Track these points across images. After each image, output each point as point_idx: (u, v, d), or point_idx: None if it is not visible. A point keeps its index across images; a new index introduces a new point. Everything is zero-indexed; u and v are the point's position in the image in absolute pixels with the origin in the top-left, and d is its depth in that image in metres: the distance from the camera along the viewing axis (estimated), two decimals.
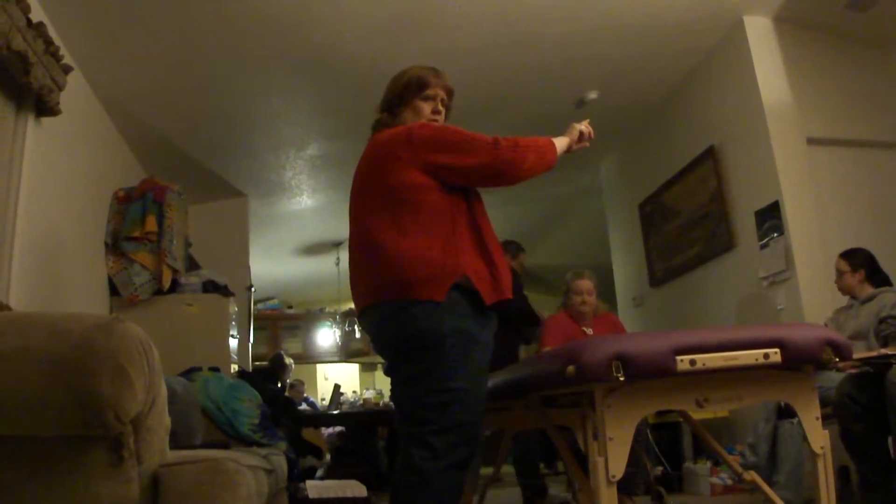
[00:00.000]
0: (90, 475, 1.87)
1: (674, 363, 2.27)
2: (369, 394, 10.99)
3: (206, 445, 3.30)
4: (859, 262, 4.58)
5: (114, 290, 5.37)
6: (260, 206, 8.53)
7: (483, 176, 2.71)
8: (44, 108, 4.14)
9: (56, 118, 4.27)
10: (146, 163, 6.66)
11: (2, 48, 3.50)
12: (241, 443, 4.23)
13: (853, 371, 3.89)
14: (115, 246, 5.41)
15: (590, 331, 5.13)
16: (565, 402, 3.55)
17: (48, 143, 4.31)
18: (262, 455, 3.46)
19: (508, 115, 6.84)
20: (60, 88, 4.22)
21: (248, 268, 8.22)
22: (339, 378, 11.99)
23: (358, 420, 8.20)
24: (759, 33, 5.70)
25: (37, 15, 3.92)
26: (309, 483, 4.83)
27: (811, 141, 5.59)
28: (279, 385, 8.03)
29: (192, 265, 6.27)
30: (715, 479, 5.28)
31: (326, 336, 12.78)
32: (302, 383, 10.36)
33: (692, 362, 2.28)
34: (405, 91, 2.94)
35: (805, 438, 2.50)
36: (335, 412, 8.56)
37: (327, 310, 12.92)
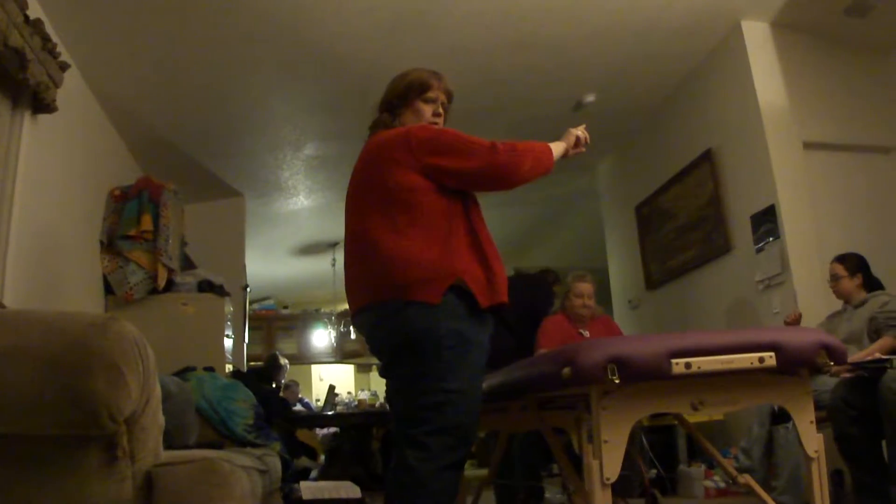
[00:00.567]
0: (84, 474, 1.87)
1: (669, 366, 2.27)
2: (364, 395, 11.01)
3: (201, 445, 3.30)
4: (855, 265, 4.59)
5: (109, 289, 5.36)
6: (256, 206, 8.52)
7: (480, 179, 2.71)
8: (40, 104, 4.13)
9: (52, 115, 4.26)
10: (142, 161, 6.65)
11: None
12: (235, 443, 4.23)
13: (847, 375, 3.90)
14: (111, 244, 5.40)
15: (586, 333, 5.14)
16: (561, 405, 3.56)
17: (44, 141, 4.30)
18: (256, 455, 3.46)
19: (506, 117, 6.85)
20: (57, 85, 4.21)
21: (244, 268, 8.22)
22: (333, 379, 11.98)
23: (353, 421, 8.19)
24: (757, 38, 5.70)
25: (34, 11, 3.92)
26: (303, 484, 4.83)
27: (807, 145, 5.60)
28: (274, 385, 8.02)
29: (188, 264, 6.26)
30: (709, 483, 5.29)
31: (321, 337, 12.78)
32: (297, 384, 10.35)
33: (687, 365, 2.28)
34: (407, 92, 2.94)
35: (800, 442, 2.50)
36: (330, 413, 8.56)
37: (323, 310, 12.92)
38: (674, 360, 2.28)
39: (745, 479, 2.92)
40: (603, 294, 7.91)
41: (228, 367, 5.80)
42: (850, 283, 4.57)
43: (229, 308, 6.09)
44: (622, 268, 8.19)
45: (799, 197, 5.39)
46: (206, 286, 5.79)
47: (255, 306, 11.65)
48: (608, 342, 2.41)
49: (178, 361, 4.80)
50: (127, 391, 1.81)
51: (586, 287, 5.22)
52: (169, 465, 2.02)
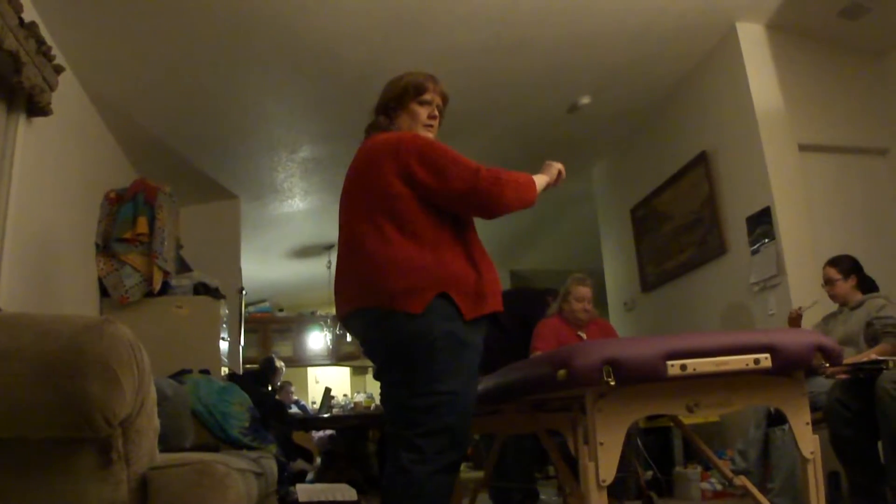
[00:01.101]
0: (79, 477, 1.87)
1: (665, 368, 2.27)
2: (360, 397, 10.97)
3: (196, 448, 3.30)
4: (848, 267, 4.60)
5: (104, 292, 5.35)
6: (252, 209, 8.51)
7: (458, 203, 2.67)
8: (35, 108, 4.12)
9: (47, 118, 4.25)
10: (138, 164, 6.65)
11: None
12: (230, 446, 4.22)
13: (843, 376, 3.91)
14: (106, 247, 5.39)
15: (585, 336, 5.14)
16: (556, 407, 3.55)
17: (39, 144, 4.30)
18: (252, 458, 3.45)
19: (502, 119, 6.86)
20: (52, 88, 4.21)
21: (240, 270, 8.21)
22: (329, 381, 11.96)
23: (348, 423, 8.19)
24: (752, 40, 5.71)
25: (29, 14, 3.91)
26: (299, 486, 4.83)
27: (803, 147, 5.61)
28: (270, 388, 8.02)
29: (183, 267, 6.25)
30: (705, 484, 5.28)
31: (317, 339, 12.76)
32: (290, 384, 10.32)
33: (683, 367, 2.28)
34: (403, 95, 2.94)
35: (796, 444, 2.50)
36: (326, 415, 8.55)
37: (318, 313, 12.90)
38: (669, 362, 2.28)
39: (742, 480, 2.92)
40: (598, 296, 7.92)
41: (224, 370, 5.79)
42: (845, 286, 4.58)
43: (225, 311, 6.08)
44: (617, 270, 8.19)
45: (794, 199, 5.41)
46: (201, 289, 5.78)
47: (251, 309, 11.63)
48: (603, 344, 2.41)
49: (173, 364, 4.79)
50: (122, 394, 1.81)
51: (587, 291, 5.23)
52: (164, 467, 2.01)
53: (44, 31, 4.09)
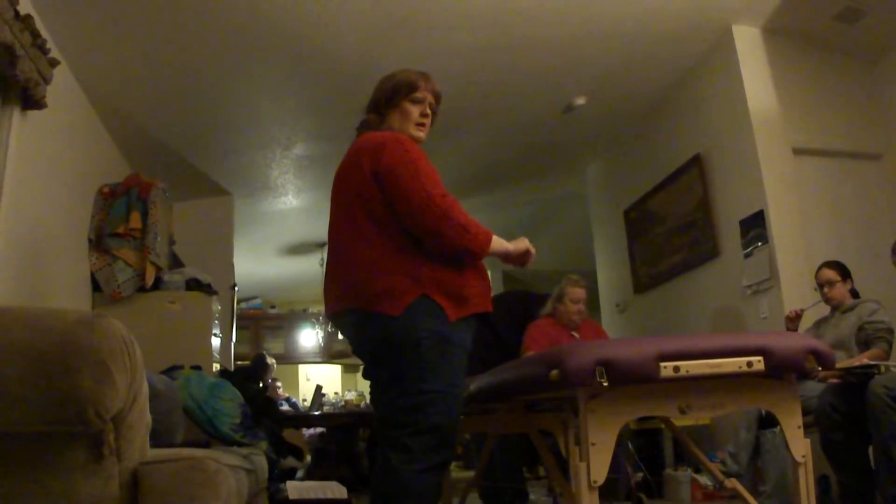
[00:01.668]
0: (70, 472, 1.86)
1: (657, 369, 2.27)
2: (351, 395, 10.97)
3: (187, 444, 3.29)
4: (845, 271, 4.63)
5: (96, 287, 5.33)
6: (245, 205, 8.50)
7: (404, 219, 2.63)
8: (30, 101, 4.11)
9: (42, 112, 4.24)
10: (131, 159, 6.63)
11: None
12: (221, 442, 4.21)
13: (834, 380, 3.92)
14: (99, 242, 5.36)
15: (578, 337, 5.15)
16: (547, 407, 3.56)
17: (33, 137, 4.28)
18: (242, 455, 3.44)
19: (496, 119, 6.85)
20: (47, 82, 4.19)
21: (232, 267, 8.19)
22: (320, 379, 11.96)
23: (339, 421, 8.18)
24: (748, 43, 5.72)
25: (24, 7, 3.89)
26: (289, 484, 4.82)
27: (797, 151, 5.62)
28: (261, 385, 8.00)
29: (176, 263, 6.23)
30: (706, 480, 5.26)
31: (309, 337, 12.77)
32: (276, 380, 10.28)
33: (676, 369, 2.28)
34: (394, 93, 2.92)
35: (787, 447, 2.51)
36: (317, 413, 8.54)
37: (310, 310, 12.90)
38: (662, 364, 2.28)
39: (733, 483, 2.92)
40: (590, 297, 7.93)
41: (216, 366, 5.78)
42: (843, 288, 4.61)
43: (217, 307, 6.07)
44: (610, 271, 8.20)
45: (788, 202, 5.41)
46: (193, 285, 5.77)
47: (243, 305, 11.61)
48: (596, 345, 2.41)
49: (165, 360, 4.77)
50: (114, 389, 1.80)
51: (582, 293, 5.25)
52: (155, 463, 2.01)
53: (39, 25, 4.08)
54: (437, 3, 5.07)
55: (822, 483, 4.30)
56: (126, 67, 5.32)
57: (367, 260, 2.61)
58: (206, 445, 3.31)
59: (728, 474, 3.79)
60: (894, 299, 4.70)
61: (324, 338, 12.58)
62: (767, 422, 4.37)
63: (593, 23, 5.45)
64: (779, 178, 5.45)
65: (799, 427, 2.50)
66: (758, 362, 2.36)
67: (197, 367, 4.87)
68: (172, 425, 3.78)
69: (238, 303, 8.92)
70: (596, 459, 2.26)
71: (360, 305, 2.62)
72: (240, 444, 4.22)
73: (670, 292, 6.81)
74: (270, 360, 8.81)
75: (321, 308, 12.39)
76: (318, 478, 6.58)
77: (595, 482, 2.26)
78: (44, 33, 4.12)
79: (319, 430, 9.00)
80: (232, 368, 7.38)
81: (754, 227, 5.47)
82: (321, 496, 4.57)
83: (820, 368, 2.45)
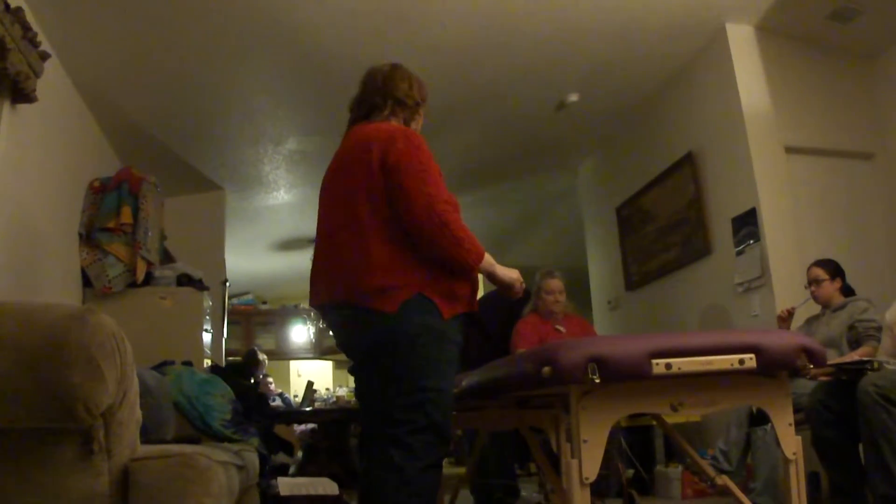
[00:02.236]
0: (59, 468, 1.85)
1: (649, 366, 2.27)
2: (342, 391, 10.97)
3: (178, 440, 3.28)
4: (834, 269, 4.63)
5: (87, 282, 5.32)
6: (236, 201, 8.48)
7: (404, 217, 2.61)
8: (20, 94, 4.08)
9: (32, 105, 4.21)
10: (122, 153, 6.61)
11: None
12: (212, 438, 4.20)
13: (825, 378, 3.92)
14: (89, 237, 5.35)
15: (562, 329, 5.15)
16: (539, 404, 3.55)
17: (23, 131, 4.26)
18: (233, 451, 3.43)
19: (489, 115, 6.85)
20: (37, 75, 4.17)
21: (224, 262, 8.18)
22: (312, 375, 11.95)
23: (331, 418, 8.17)
24: (741, 41, 5.72)
25: (15, 0, 3.88)
26: (281, 480, 4.81)
27: (789, 149, 5.62)
28: (252, 381, 7.99)
29: (167, 258, 6.22)
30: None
31: (300, 333, 12.76)
32: (267, 376, 10.25)
33: (668, 366, 2.28)
34: (422, 101, 2.99)
35: (778, 444, 2.51)
36: (308, 409, 8.54)
37: (302, 306, 12.89)
38: (654, 361, 2.28)
39: (723, 479, 2.92)
40: (582, 294, 7.94)
41: (207, 362, 5.76)
42: (831, 287, 4.61)
43: (208, 302, 6.06)
44: (602, 268, 8.21)
45: (780, 201, 5.42)
46: (184, 280, 5.76)
47: (234, 301, 11.61)
48: (588, 342, 2.41)
49: (156, 355, 4.76)
50: (104, 384, 1.79)
51: (556, 283, 5.25)
52: (146, 459, 2.00)
53: (30, 17, 4.06)
54: None
55: (812, 480, 4.31)
56: (117, 61, 5.29)
57: (365, 255, 2.58)
58: (196, 441, 3.29)
59: (719, 471, 3.80)
60: (885, 297, 4.70)
61: (315, 334, 12.57)
62: (758, 419, 4.38)
63: (586, 19, 5.45)
64: (771, 177, 5.46)
65: (790, 424, 2.50)
66: (749, 360, 2.36)
67: (188, 363, 4.86)
68: (163, 421, 3.77)
69: (229, 298, 8.92)
70: (588, 456, 2.26)
71: (354, 300, 2.59)
72: (231, 441, 4.21)
73: (662, 290, 6.82)
74: (262, 356, 8.81)
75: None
76: (310, 474, 6.57)
77: (587, 479, 2.26)
78: (34, 26, 4.10)
79: (310, 426, 9.00)
80: (223, 364, 7.36)
81: (746, 224, 5.48)
82: (312, 492, 4.56)
83: (811, 366, 2.45)
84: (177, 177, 7.35)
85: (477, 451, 4.20)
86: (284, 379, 12.81)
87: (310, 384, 9.29)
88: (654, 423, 5.31)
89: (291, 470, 7.43)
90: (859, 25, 5.59)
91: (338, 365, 13.74)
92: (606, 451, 2.34)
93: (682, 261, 6.39)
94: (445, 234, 2.56)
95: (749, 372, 2.42)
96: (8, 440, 1.84)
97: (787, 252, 5.32)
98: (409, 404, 2.50)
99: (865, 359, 3.70)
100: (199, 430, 4.21)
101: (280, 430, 7.94)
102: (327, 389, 12.17)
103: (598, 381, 2.23)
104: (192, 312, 5.71)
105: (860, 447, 3.68)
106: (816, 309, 4.77)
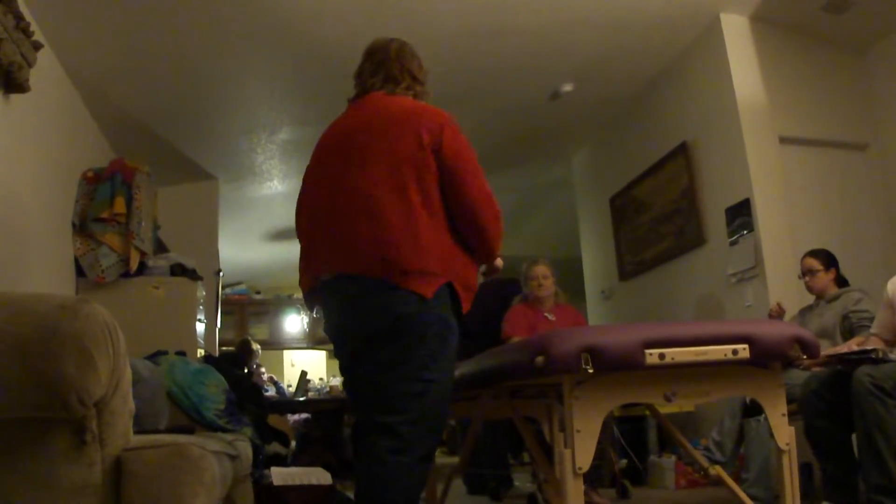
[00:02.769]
0: (52, 458, 1.85)
1: (643, 356, 2.28)
2: (336, 381, 10.96)
3: (171, 430, 3.27)
4: (828, 260, 4.63)
5: (80, 272, 5.31)
6: (230, 190, 8.46)
7: (461, 213, 2.65)
8: (12, 84, 4.06)
9: (25, 95, 4.19)
10: (116, 143, 6.59)
11: None
12: (206, 428, 4.20)
13: (817, 368, 3.93)
14: (83, 227, 5.34)
15: (552, 317, 5.14)
16: (532, 394, 3.56)
17: (16, 121, 4.25)
18: (227, 441, 3.43)
19: (483, 104, 6.83)
20: (30, 65, 4.15)
21: (217, 252, 8.16)
22: (305, 365, 11.96)
23: (324, 407, 8.18)
24: (736, 31, 5.71)
25: None
26: (274, 470, 4.81)
27: (783, 140, 5.63)
28: (246, 371, 7.99)
29: (161, 248, 6.21)
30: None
31: (294, 322, 12.74)
32: (261, 366, 10.23)
33: (661, 356, 2.29)
34: (424, 84, 3.00)
35: (772, 435, 2.52)
36: (302, 399, 8.54)
37: (295, 296, 12.86)
38: (648, 351, 2.29)
39: (717, 470, 2.93)
40: (576, 284, 7.94)
41: (200, 352, 5.76)
42: (825, 278, 4.61)
43: (201, 292, 6.05)
44: (595, 258, 8.21)
45: (774, 191, 5.43)
46: (178, 270, 5.75)
47: (228, 291, 11.57)
48: (582, 331, 2.42)
49: (149, 345, 4.76)
50: (97, 374, 1.79)
51: (539, 269, 5.25)
52: (139, 449, 2.00)
53: (22, 7, 4.03)
54: None
55: (804, 470, 4.32)
56: (111, 51, 5.27)
57: (413, 233, 2.51)
58: (190, 431, 3.29)
59: (713, 462, 3.81)
60: (879, 288, 4.71)
61: (309, 323, 12.56)
62: (752, 410, 4.38)
63: (581, 9, 5.44)
64: (765, 167, 5.46)
65: (783, 415, 2.51)
66: (743, 350, 2.37)
67: (181, 353, 4.86)
68: (156, 411, 3.78)
69: (223, 288, 8.89)
70: (581, 446, 2.27)
71: (385, 276, 2.49)
72: (224, 430, 4.21)
73: (655, 280, 6.82)
74: (255, 346, 8.80)
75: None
76: (303, 464, 6.58)
77: (580, 469, 2.26)
78: (27, 16, 4.08)
79: (304, 415, 9.01)
80: (216, 354, 7.36)
81: (740, 215, 5.48)
82: (306, 482, 4.56)
83: (805, 357, 2.46)
84: (170, 166, 7.33)
85: (470, 441, 4.20)
86: (278, 369, 12.81)
87: (303, 374, 9.29)
88: (648, 412, 5.33)
89: (288, 459, 7.43)
90: (853, 16, 5.59)
91: (331, 355, 13.70)
92: (599, 441, 2.35)
93: (676, 251, 6.39)
94: (496, 227, 2.70)
95: (742, 362, 2.42)
96: None
97: (780, 242, 5.32)
98: (411, 393, 2.45)
99: (868, 348, 3.69)
100: (192, 420, 4.21)
101: (273, 420, 7.95)
102: (321, 379, 12.16)
103: (591, 370, 2.23)
104: (186, 302, 5.70)
105: (853, 437, 3.69)
106: (810, 299, 4.78)
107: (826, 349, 4.01)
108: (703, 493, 5.06)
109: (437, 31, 5.53)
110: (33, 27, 4.17)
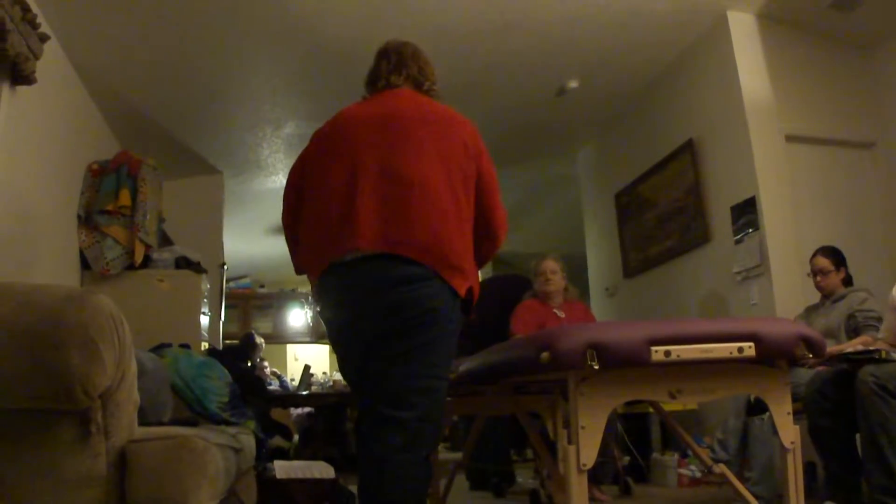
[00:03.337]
0: (57, 450, 1.85)
1: (648, 353, 2.27)
2: (339, 375, 10.96)
3: (175, 423, 3.28)
4: (839, 260, 4.61)
5: (85, 264, 5.31)
6: (235, 184, 8.47)
7: (486, 225, 2.75)
8: (19, 76, 4.06)
9: (31, 87, 4.19)
10: (121, 136, 6.59)
11: None
12: (209, 421, 4.20)
13: (822, 368, 3.92)
14: (88, 219, 5.35)
15: (561, 314, 5.14)
16: (536, 389, 3.55)
17: (23, 113, 4.25)
18: (230, 434, 3.44)
19: (489, 100, 6.82)
20: (37, 57, 4.15)
21: (222, 245, 8.17)
22: (309, 359, 11.94)
23: (327, 401, 8.19)
24: (742, 29, 5.70)
25: None
26: (277, 463, 4.82)
27: (790, 138, 5.61)
28: (249, 364, 8.00)
29: (165, 241, 6.21)
30: (685, 471, 5.30)
31: (298, 316, 12.75)
32: (264, 360, 10.21)
33: (667, 353, 2.28)
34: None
35: (775, 433, 2.51)
36: (305, 393, 8.55)
37: (299, 290, 12.87)
38: (653, 348, 2.28)
39: (721, 468, 2.93)
40: (580, 281, 7.93)
41: (204, 345, 5.77)
42: (836, 278, 4.59)
43: (206, 285, 6.06)
44: (600, 255, 8.20)
45: (780, 189, 5.42)
46: (182, 263, 5.76)
47: (232, 284, 11.58)
48: (587, 328, 2.42)
49: (153, 338, 4.75)
50: (102, 366, 1.79)
51: (548, 264, 5.23)
52: (143, 441, 2.00)
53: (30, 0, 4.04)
54: None
55: (808, 470, 4.31)
56: (117, 44, 5.27)
57: (458, 229, 2.53)
58: (194, 424, 3.30)
59: (717, 461, 3.80)
60: (885, 287, 4.70)
61: (313, 317, 12.56)
62: (756, 408, 4.38)
63: (588, 5, 5.43)
64: (771, 165, 5.45)
65: (788, 413, 2.50)
66: (749, 348, 2.36)
67: (185, 346, 4.85)
68: (160, 404, 3.77)
69: (227, 282, 8.90)
70: (585, 443, 2.26)
71: (430, 264, 2.43)
72: (228, 423, 4.21)
73: (660, 277, 6.81)
74: (259, 340, 8.80)
75: (310, 288, 12.37)
76: (306, 457, 6.59)
77: (584, 465, 2.26)
78: (34, 8, 4.08)
79: (307, 409, 9.01)
80: (220, 347, 7.37)
81: (746, 213, 5.47)
82: (308, 476, 4.56)
83: (810, 356, 2.45)
84: (175, 160, 7.33)
85: (473, 437, 4.19)
86: (281, 363, 12.81)
87: (307, 368, 9.30)
88: (651, 410, 5.32)
89: (290, 454, 7.45)
90: (861, 14, 5.57)
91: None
92: (603, 438, 2.35)
93: (681, 248, 6.38)
94: (502, 239, 2.82)
95: (748, 360, 2.42)
96: (5, 421, 1.83)
97: (786, 241, 5.31)
98: (422, 388, 2.43)
99: (872, 348, 3.68)
100: (196, 413, 4.21)
101: (276, 413, 7.96)
102: (324, 373, 12.17)
103: (596, 367, 2.23)
104: (190, 295, 5.71)
105: (857, 437, 3.68)
106: (815, 297, 4.77)
107: (832, 348, 4.00)
108: (705, 490, 5.06)
109: (443, 27, 5.52)
110: (40, 19, 4.17)
